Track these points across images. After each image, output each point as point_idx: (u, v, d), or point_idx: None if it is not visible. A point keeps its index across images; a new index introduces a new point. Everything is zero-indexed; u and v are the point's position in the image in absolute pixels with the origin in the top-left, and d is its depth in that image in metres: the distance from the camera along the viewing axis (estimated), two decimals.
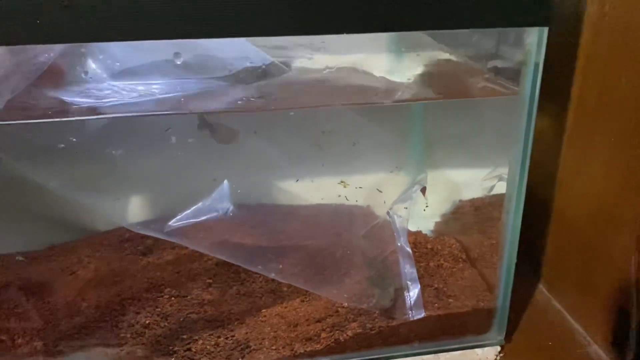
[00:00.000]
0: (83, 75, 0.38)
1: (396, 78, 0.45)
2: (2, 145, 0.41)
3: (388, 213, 0.49)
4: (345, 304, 0.46)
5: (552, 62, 0.38)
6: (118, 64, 0.38)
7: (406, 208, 0.49)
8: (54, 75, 0.37)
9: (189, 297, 0.47)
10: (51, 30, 0.30)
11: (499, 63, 0.41)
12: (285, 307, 0.47)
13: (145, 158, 0.47)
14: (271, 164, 0.51)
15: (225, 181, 0.45)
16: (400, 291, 0.47)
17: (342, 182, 0.51)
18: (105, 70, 0.38)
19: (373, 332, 0.45)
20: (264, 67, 0.41)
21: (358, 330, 0.45)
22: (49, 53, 0.35)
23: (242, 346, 0.44)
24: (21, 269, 0.49)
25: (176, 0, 0.30)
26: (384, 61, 0.46)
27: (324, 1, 0.32)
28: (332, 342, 0.44)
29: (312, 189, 0.52)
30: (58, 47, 0.35)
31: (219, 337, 0.44)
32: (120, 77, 0.38)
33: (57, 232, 0.52)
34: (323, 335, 0.44)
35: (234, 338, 0.44)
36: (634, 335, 0.42)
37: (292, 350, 0.44)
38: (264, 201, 0.53)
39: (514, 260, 0.44)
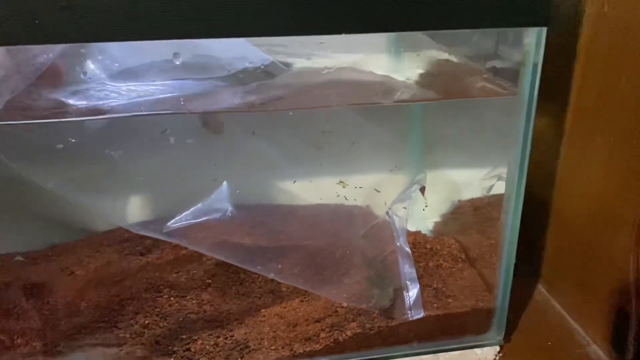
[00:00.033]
0: (82, 76, 0.38)
1: (396, 78, 0.45)
2: (2, 145, 0.41)
3: (387, 213, 0.49)
4: (345, 304, 0.46)
5: (552, 62, 0.38)
6: (117, 64, 0.38)
7: (405, 208, 0.49)
8: (53, 76, 0.37)
9: (188, 297, 0.47)
10: (50, 31, 0.30)
11: (497, 63, 0.41)
12: (285, 307, 0.47)
13: (145, 158, 0.47)
14: (270, 164, 0.51)
15: (225, 182, 0.45)
16: (399, 291, 0.47)
17: (341, 182, 0.51)
18: (104, 70, 0.38)
19: (372, 332, 0.45)
20: (263, 67, 0.41)
21: (357, 330, 0.45)
22: (47, 53, 0.35)
23: (241, 346, 0.44)
24: (21, 269, 0.49)
25: (175, 1, 0.30)
26: (383, 61, 0.46)
27: (323, 1, 0.32)
28: (331, 342, 0.44)
29: (311, 189, 0.52)
30: (57, 48, 0.35)
31: (218, 337, 0.44)
32: (119, 77, 0.38)
33: (57, 232, 0.52)
34: (322, 335, 0.44)
35: (233, 338, 0.44)
36: (633, 335, 0.42)
37: (291, 350, 0.44)
38: (263, 201, 0.53)
39: (513, 261, 0.44)
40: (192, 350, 0.43)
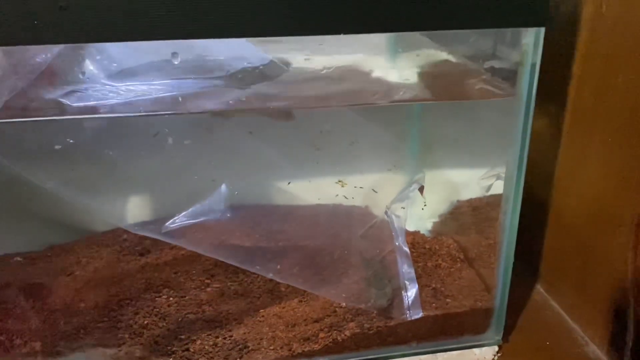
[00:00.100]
0: (80, 76, 0.38)
1: (394, 78, 0.45)
2: (1, 146, 0.41)
3: (386, 213, 0.50)
4: (343, 304, 0.46)
5: (550, 62, 0.38)
6: (115, 64, 0.38)
7: (404, 208, 0.49)
8: (51, 76, 0.37)
9: (187, 298, 0.47)
10: (48, 31, 0.30)
11: (496, 63, 0.41)
12: (284, 308, 0.47)
13: (144, 159, 0.47)
14: (269, 164, 0.51)
15: (223, 183, 0.45)
16: (398, 291, 0.47)
17: (339, 181, 0.51)
18: (103, 70, 0.38)
19: (371, 332, 0.45)
20: (261, 67, 0.41)
21: (356, 331, 0.45)
22: (46, 53, 0.35)
23: (240, 346, 0.44)
24: (20, 269, 0.49)
25: (175, 1, 0.30)
26: (382, 61, 0.46)
27: (323, 2, 0.32)
28: (330, 342, 0.44)
29: (310, 189, 0.52)
30: (55, 48, 0.35)
31: (217, 337, 0.44)
32: (117, 77, 0.38)
33: (56, 232, 0.52)
34: (321, 335, 0.44)
35: (232, 338, 0.44)
36: (631, 335, 0.42)
37: (290, 350, 0.44)
38: (262, 202, 0.53)
39: (512, 261, 0.44)
40: (191, 350, 0.43)
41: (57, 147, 0.42)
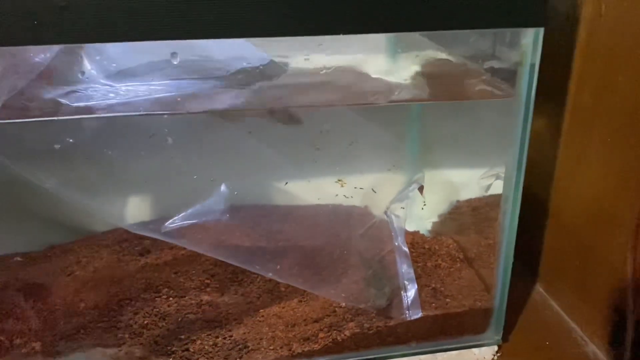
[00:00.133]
0: (80, 76, 0.38)
1: (394, 78, 0.45)
2: (1, 146, 0.41)
3: (385, 213, 0.50)
4: (343, 304, 0.46)
5: (549, 62, 0.38)
6: (114, 64, 0.38)
7: (403, 208, 0.49)
8: (51, 76, 0.37)
9: (187, 298, 0.47)
10: (49, 31, 0.30)
11: (495, 63, 0.41)
12: (283, 308, 0.47)
13: (143, 159, 0.47)
14: (269, 164, 0.51)
15: (223, 183, 0.45)
16: (397, 291, 0.47)
17: (339, 180, 0.51)
18: (102, 70, 0.38)
19: (370, 332, 0.45)
20: (261, 67, 0.41)
21: (356, 330, 0.45)
22: (45, 53, 0.35)
23: (240, 346, 0.44)
24: (20, 269, 0.49)
25: (175, 1, 0.30)
26: (382, 62, 0.46)
27: (322, 2, 0.32)
28: (329, 342, 0.44)
29: (309, 189, 0.52)
30: (55, 48, 0.35)
31: (217, 337, 0.44)
32: (116, 77, 0.38)
33: (56, 232, 0.52)
34: (321, 335, 0.44)
35: (232, 338, 0.44)
36: (630, 335, 0.43)
37: (289, 350, 0.44)
38: (262, 202, 0.53)
39: (511, 261, 0.44)
40: (191, 350, 0.43)
41: (56, 146, 0.42)
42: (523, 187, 0.41)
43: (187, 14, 0.31)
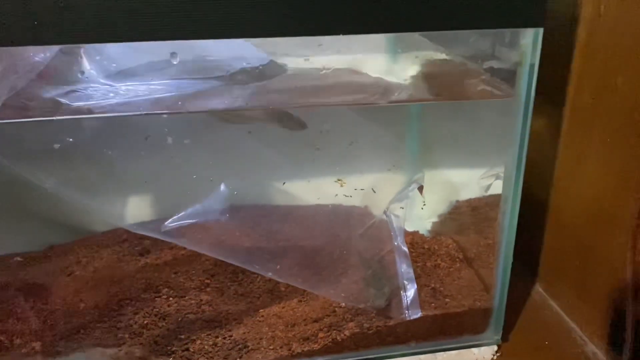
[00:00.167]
0: (79, 76, 0.38)
1: (394, 79, 0.45)
2: (1, 146, 0.41)
3: (385, 212, 0.50)
4: (343, 304, 0.46)
5: (549, 62, 0.38)
6: (114, 64, 0.38)
7: (403, 208, 0.49)
8: (50, 75, 0.37)
9: (186, 298, 0.47)
10: (49, 32, 0.30)
11: (495, 64, 0.41)
12: (283, 307, 0.47)
13: (143, 158, 0.48)
14: (269, 164, 0.51)
15: (223, 183, 0.45)
16: (397, 291, 0.47)
17: (338, 180, 0.51)
18: (102, 70, 0.38)
19: (370, 332, 0.45)
20: (261, 67, 0.41)
21: (355, 330, 0.45)
22: (45, 53, 0.35)
23: (240, 346, 0.44)
24: (20, 269, 0.49)
25: (175, 2, 0.30)
26: (381, 62, 0.46)
27: (322, 2, 0.32)
28: (329, 342, 0.44)
29: (309, 189, 0.52)
30: (54, 47, 0.35)
31: (217, 337, 0.44)
32: (116, 77, 0.38)
33: (56, 232, 0.52)
34: (320, 335, 0.44)
35: (232, 338, 0.44)
36: (629, 334, 0.43)
37: (289, 350, 0.44)
38: (262, 202, 0.53)
39: (511, 260, 0.44)
40: (191, 350, 0.43)
41: (56, 146, 0.42)
42: (523, 187, 0.41)
43: (187, 14, 0.31)
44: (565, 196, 0.50)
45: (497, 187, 0.44)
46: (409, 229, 0.56)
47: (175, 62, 0.38)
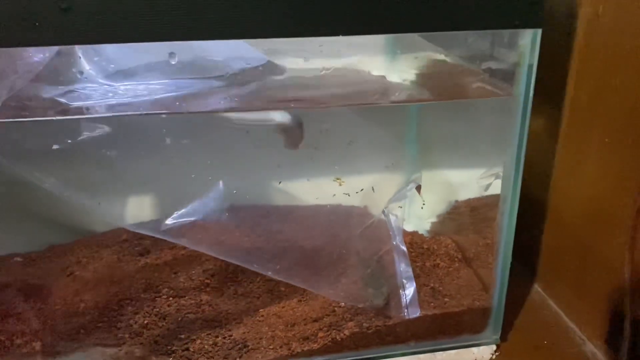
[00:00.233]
0: (78, 76, 0.38)
1: (393, 79, 0.45)
2: (1, 146, 0.41)
3: (383, 212, 0.50)
4: (342, 304, 0.47)
5: (547, 63, 0.39)
6: (113, 65, 0.38)
7: (401, 207, 0.49)
8: (50, 75, 0.37)
9: (186, 297, 0.47)
10: (49, 33, 0.30)
11: (493, 64, 0.41)
12: (283, 307, 0.47)
13: (142, 158, 0.48)
14: (268, 164, 0.51)
15: (220, 181, 0.45)
16: (395, 290, 0.47)
17: (337, 179, 0.51)
18: (101, 70, 0.38)
19: (370, 331, 0.45)
20: (260, 67, 0.41)
21: (355, 330, 0.45)
22: (44, 53, 0.35)
23: (239, 346, 0.44)
24: (20, 269, 0.49)
25: (174, 2, 0.30)
26: (381, 62, 0.46)
27: (321, 3, 0.32)
28: (329, 342, 0.44)
29: (308, 189, 0.52)
30: (54, 48, 0.35)
31: (216, 336, 0.44)
32: (115, 77, 0.38)
33: (56, 233, 0.52)
34: (320, 334, 0.44)
35: (232, 338, 0.44)
36: (628, 334, 0.43)
37: (289, 349, 0.44)
38: (261, 201, 0.53)
39: (509, 260, 0.44)
40: (191, 349, 0.43)
41: (55, 146, 0.42)
42: (521, 187, 0.41)
43: (186, 15, 0.31)
44: (564, 196, 0.50)
45: (496, 187, 0.44)
46: (409, 229, 0.56)
47: (173, 62, 0.38)
